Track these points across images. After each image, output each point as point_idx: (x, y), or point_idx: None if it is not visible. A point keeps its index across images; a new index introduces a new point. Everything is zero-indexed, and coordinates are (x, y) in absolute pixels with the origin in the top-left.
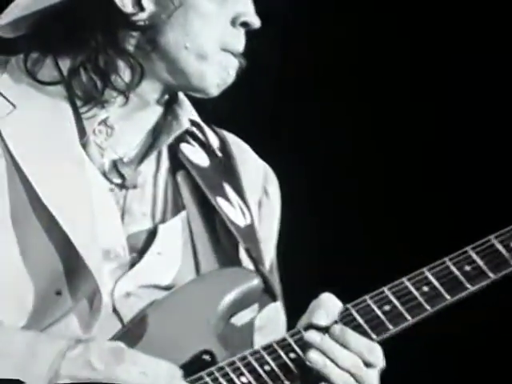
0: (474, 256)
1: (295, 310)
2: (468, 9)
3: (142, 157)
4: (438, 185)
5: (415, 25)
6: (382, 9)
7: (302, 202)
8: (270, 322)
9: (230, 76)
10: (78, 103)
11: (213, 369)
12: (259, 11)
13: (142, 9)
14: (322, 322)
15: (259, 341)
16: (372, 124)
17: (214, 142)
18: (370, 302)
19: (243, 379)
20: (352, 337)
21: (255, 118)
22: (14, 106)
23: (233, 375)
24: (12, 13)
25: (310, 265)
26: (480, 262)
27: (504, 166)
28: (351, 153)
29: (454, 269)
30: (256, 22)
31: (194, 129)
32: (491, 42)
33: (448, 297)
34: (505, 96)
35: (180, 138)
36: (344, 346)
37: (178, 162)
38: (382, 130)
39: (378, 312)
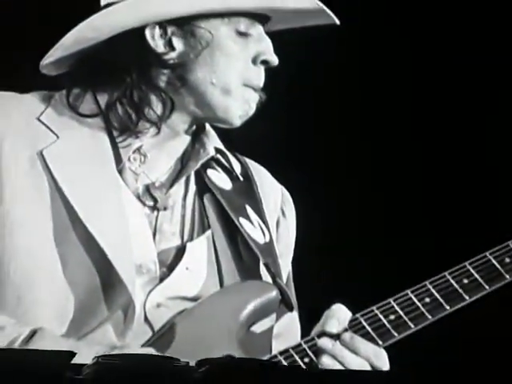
0: (472, 270)
1: (309, 319)
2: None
3: (172, 181)
4: (441, 208)
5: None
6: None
7: (314, 219)
8: (286, 330)
9: (251, 108)
10: (115, 133)
11: None
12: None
13: (172, 49)
14: (334, 329)
15: (277, 347)
16: (379, 151)
17: (237, 167)
18: (377, 311)
19: None
20: (361, 343)
21: (273, 146)
22: (57, 136)
23: None
24: (55, 53)
25: (322, 278)
26: (477, 276)
27: (498, 190)
28: (362, 177)
29: (453, 282)
30: (275, 60)
31: (219, 156)
32: (492, 80)
33: (448, 307)
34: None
35: (206, 164)
36: (353, 351)
37: (204, 186)
38: (386, 152)
39: (384, 321)
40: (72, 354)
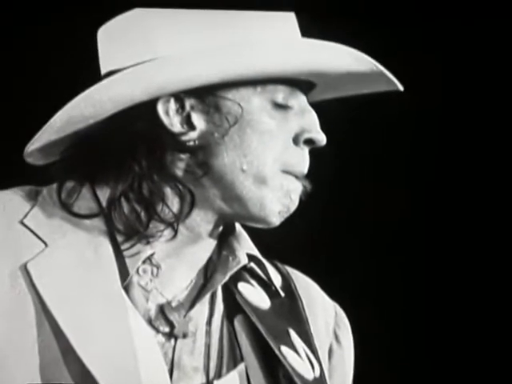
0: None
1: None
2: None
3: (194, 300)
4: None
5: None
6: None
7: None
8: None
9: (293, 202)
10: (119, 239)
11: None
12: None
13: (192, 128)
14: None
15: None
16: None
17: (277, 279)
18: None
19: None
20: None
21: (320, 251)
22: (45, 244)
23: None
24: (43, 137)
25: None
26: None
27: None
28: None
29: None
30: (322, 139)
31: (253, 265)
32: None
33: None
34: None
35: (237, 277)
36: None
37: (235, 305)
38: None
39: None
40: None
